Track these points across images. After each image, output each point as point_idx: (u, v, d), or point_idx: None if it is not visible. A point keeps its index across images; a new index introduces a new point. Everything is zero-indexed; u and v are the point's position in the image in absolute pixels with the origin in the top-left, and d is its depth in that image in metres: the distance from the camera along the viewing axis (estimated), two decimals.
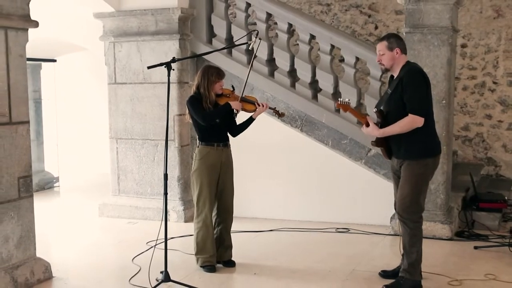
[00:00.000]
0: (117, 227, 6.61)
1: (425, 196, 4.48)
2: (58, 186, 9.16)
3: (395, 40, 4.39)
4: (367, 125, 4.37)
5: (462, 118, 8.24)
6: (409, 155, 4.38)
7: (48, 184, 8.99)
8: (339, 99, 4.45)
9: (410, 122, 4.24)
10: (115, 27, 6.88)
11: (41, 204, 7.02)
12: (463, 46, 8.14)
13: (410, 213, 4.38)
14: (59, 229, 6.58)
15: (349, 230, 6.17)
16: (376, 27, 8.62)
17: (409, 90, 4.27)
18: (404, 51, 4.42)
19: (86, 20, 7.12)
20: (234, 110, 4.95)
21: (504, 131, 8.05)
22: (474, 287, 4.49)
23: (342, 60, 6.70)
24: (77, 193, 8.64)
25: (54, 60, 8.99)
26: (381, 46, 4.42)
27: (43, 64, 8.87)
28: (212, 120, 4.86)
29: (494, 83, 8.05)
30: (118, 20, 6.83)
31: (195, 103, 4.88)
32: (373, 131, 4.39)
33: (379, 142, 4.52)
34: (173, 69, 4.59)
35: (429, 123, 4.42)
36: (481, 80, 8.12)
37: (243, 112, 5.03)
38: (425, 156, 4.38)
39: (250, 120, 5.08)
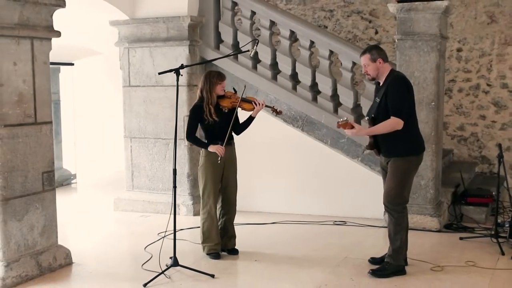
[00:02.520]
0: (131, 220, 7.11)
1: (409, 190, 4.94)
2: (75, 182, 9.68)
3: (376, 51, 4.83)
4: (351, 128, 4.80)
5: (457, 119, 8.66)
6: (395, 153, 4.84)
7: (66, 181, 9.51)
8: (338, 121, 4.83)
9: (392, 124, 4.70)
10: (130, 33, 7.38)
11: (59, 199, 7.36)
12: (459, 50, 8.57)
13: (395, 204, 4.83)
14: (77, 222, 7.07)
15: (346, 223, 6.62)
16: (377, 32, 9.07)
17: (392, 96, 4.72)
18: (386, 59, 4.85)
19: (102, 27, 7.63)
20: (219, 154, 5.28)
21: (498, 131, 8.47)
22: (454, 272, 4.94)
23: (341, 64, 7.14)
24: (93, 189, 9.16)
25: (72, 64, 9.53)
26: (365, 60, 4.85)
27: (62, 67, 9.39)
28: (191, 141, 5.46)
29: (488, 85, 8.47)
30: (132, 27, 7.33)
31: (191, 116, 5.41)
32: (359, 131, 4.85)
33: (371, 145, 4.99)
34: (181, 75, 5.07)
35: (413, 124, 4.88)
36: (475, 83, 8.54)
37: (243, 111, 5.49)
38: (409, 154, 4.83)
39: (250, 119, 5.53)
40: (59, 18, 5.53)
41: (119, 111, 7.76)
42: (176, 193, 6.89)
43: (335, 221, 6.67)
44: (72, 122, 9.79)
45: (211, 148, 5.29)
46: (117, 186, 8.39)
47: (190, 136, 5.43)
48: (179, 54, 7.16)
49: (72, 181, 9.65)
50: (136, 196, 7.48)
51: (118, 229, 6.81)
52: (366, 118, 5.02)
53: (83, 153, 9.89)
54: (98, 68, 9.60)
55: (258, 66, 7.17)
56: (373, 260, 5.16)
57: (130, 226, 6.86)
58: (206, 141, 5.44)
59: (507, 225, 5.65)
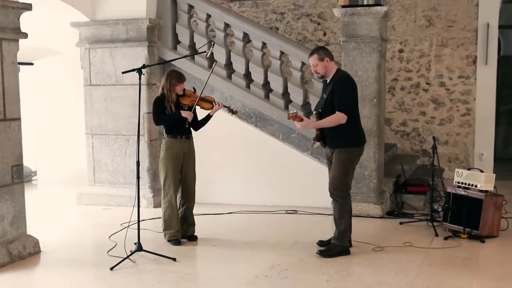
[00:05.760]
0: (94, 212, 7.43)
1: (351, 178, 5.46)
2: (36, 179, 9.90)
3: (323, 51, 5.33)
4: (301, 120, 5.30)
5: (400, 115, 9.30)
6: (338, 144, 5.34)
7: (26, 178, 9.66)
8: (288, 113, 5.34)
9: (337, 118, 5.20)
10: (90, 35, 7.70)
11: None
12: (400, 51, 9.21)
13: (339, 191, 5.35)
14: (41, 215, 7.30)
15: (297, 212, 7.11)
16: (325, 34, 9.63)
17: (338, 93, 5.23)
18: (332, 58, 5.35)
19: (62, 28, 7.92)
20: (186, 119, 5.77)
21: (437, 126, 9.15)
22: (393, 252, 5.49)
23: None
24: (54, 185, 9.40)
25: (32, 64, 9.74)
26: (313, 60, 5.33)
27: (21, 67, 9.58)
28: (162, 123, 5.83)
29: (427, 84, 9.14)
30: (92, 28, 7.66)
31: (155, 105, 5.82)
32: (307, 124, 5.35)
33: (318, 137, 5.49)
34: (144, 74, 5.47)
35: (355, 119, 5.39)
36: (416, 81, 9.20)
37: (202, 110, 5.92)
38: (351, 146, 5.35)
39: (208, 117, 5.98)
40: (20, 19, 5.81)
41: (79, 110, 8.04)
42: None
43: (287, 210, 7.16)
44: (32, 121, 9.99)
45: (184, 114, 5.70)
46: (78, 182, 8.68)
47: (159, 119, 5.80)
48: (138, 54, 7.52)
49: (33, 178, 9.86)
50: (98, 190, 7.80)
51: (82, 221, 7.13)
52: (314, 113, 5.51)
53: (43, 151, 10.11)
54: (58, 67, 9.84)
55: (213, 66, 7.57)
56: (320, 243, 5.65)
57: (93, 218, 7.18)
58: (166, 133, 5.83)
59: (441, 210, 6.24)
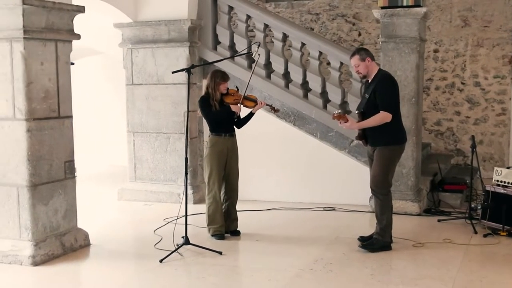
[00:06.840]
0: (135, 208, 7.65)
1: (392, 175, 5.59)
2: (76, 175, 10.13)
3: (364, 52, 5.48)
4: (347, 121, 5.44)
5: (435, 115, 9.37)
6: (380, 142, 5.47)
7: None
8: (333, 113, 5.51)
9: (382, 117, 5.34)
10: (133, 35, 7.92)
11: None
12: (436, 51, 9.28)
13: (380, 188, 5.48)
14: (85, 209, 7.49)
15: (334, 209, 7.25)
16: (360, 34, 9.74)
17: (381, 93, 5.36)
18: (373, 58, 5.49)
19: (105, 28, 8.16)
20: (236, 112, 5.98)
21: (471, 125, 9.21)
22: (433, 248, 5.60)
23: (329, 63, 7.78)
24: (93, 182, 9.65)
25: (73, 63, 10.00)
26: (355, 61, 5.49)
27: None
28: (215, 118, 5.94)
29: (462, 83, 9.20)
30: (135, 29, 7.88)
31: (203, 103, 5.99)
32: (352, 125, 5.49)
33: (360, 136, 5.63)
34: (192, 74, 5.66)
35: (397, 118, 5.52)
36: (451, 81, 9.26)
37: (245, 108, 6.09)
38: (393, 144, 5.48)
39: (250, 115, 6.15)
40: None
41: (116, 108, 8.25)
42: (178, 183, 7.54)
43: (325, 207, 7.29)
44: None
45: (233, 108, 5.91)
46: (115, 179, 8.94)
47: (210, 114, 5.91)
48: (180, 55, 7.72)
49: None
50: (139, 186, 8.02)
51: (125, 216, 7.36)
52: (356, 112, 5.65)
53: (81, 148, 10.35)
54: (97, 66, 10.10)
55: (253, 65, 7.74)
56: (362, 238, 5.77)
57: (136, 213, 7.40)
58: (210, 131, 6.01)
59: (479, 208, 6.33)
